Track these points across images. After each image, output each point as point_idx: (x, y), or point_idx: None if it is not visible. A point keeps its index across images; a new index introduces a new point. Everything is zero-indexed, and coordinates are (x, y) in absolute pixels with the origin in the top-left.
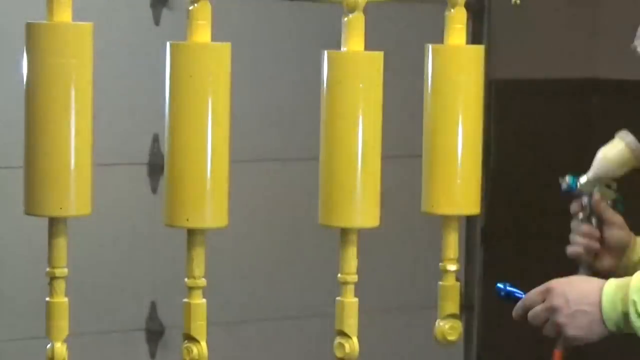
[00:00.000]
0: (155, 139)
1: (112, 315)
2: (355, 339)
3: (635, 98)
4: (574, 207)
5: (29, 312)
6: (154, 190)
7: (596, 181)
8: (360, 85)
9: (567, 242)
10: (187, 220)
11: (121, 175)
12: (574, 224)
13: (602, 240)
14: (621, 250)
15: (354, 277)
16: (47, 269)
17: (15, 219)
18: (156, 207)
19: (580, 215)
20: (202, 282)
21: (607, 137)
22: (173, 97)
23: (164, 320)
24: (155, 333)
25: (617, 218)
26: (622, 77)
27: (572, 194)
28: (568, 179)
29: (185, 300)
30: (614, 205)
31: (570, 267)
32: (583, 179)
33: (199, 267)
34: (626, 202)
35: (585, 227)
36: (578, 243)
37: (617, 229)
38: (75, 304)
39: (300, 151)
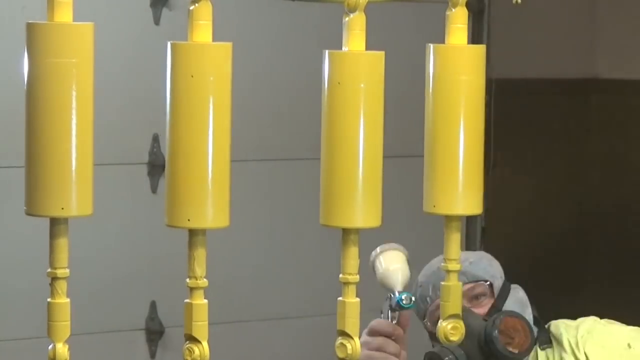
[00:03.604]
0: (155, 139)
1: (112, 315)
2: (357, 340)
3: (635, 98)
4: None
5: (31, 312)
6: (154, 190)
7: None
8: (361, 85)
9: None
10: (189, 220)
11: (121, 175)
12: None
13: None
14: None
15: (355, 277)
16: (49, 270)
17: (16, 219)
18: (156, 207)
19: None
20: (204, 282)
21: (607, 137)
22: (174, 97)
23: (164, 320)
24: (155, 333)
25: None
26: (622, 77)
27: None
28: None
29: (187, 300)
30: None
31: (570, 267)
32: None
33: (200, 267)
34: None
35: None
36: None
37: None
38: (75, 304)
39: (301, 151)
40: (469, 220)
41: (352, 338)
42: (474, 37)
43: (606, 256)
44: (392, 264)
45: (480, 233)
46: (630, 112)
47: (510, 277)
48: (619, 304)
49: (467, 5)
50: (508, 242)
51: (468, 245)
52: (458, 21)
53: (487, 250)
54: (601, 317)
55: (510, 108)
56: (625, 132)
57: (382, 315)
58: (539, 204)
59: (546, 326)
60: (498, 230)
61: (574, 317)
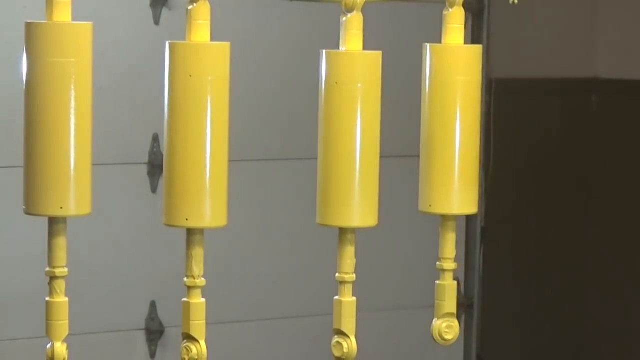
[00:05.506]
0: (155, 139)
1: (112, 315)
2: (353, 338)
3: (635, 98)
4: None
5: (29, 312)
6: (154, 190)
7: None
8: (359, 85)
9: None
10: (187, 220)
11: (121, 175)
12: None
13: None
14: None
15: (352, 277)
16: (47, 269)
17: (15, 218)
18: (156, 207)
19: None
20: (202, 281)
21: (607, 137)
22: (172, 97)
23: (164, 320)
24: (155, 333)
25: None
26: (622, 77)
27: None
28: None
29: (185, 299)
30: None
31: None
32: None
33: (198, 266)
34: None
35: None
36: None
37: None
38: (75, 303)
39: (299, 151)
40: (469, 220)
41: (348, 337)
42: (474, 37)
43: (607, 254)
44: None
45: (480, 233)
46: (630, 112)
47: (511, 277)
48: (620, 304)
49: (467, 5)
50: (508, 242)
51: (468, 245)
52: (455, 21)
53: (487, 250)
54: (603, 317)
55: (510, 108)
56: (625, 132)
57: None
58: (539, 204)
59: None
60: (498, 230)
61: (573, 316)
